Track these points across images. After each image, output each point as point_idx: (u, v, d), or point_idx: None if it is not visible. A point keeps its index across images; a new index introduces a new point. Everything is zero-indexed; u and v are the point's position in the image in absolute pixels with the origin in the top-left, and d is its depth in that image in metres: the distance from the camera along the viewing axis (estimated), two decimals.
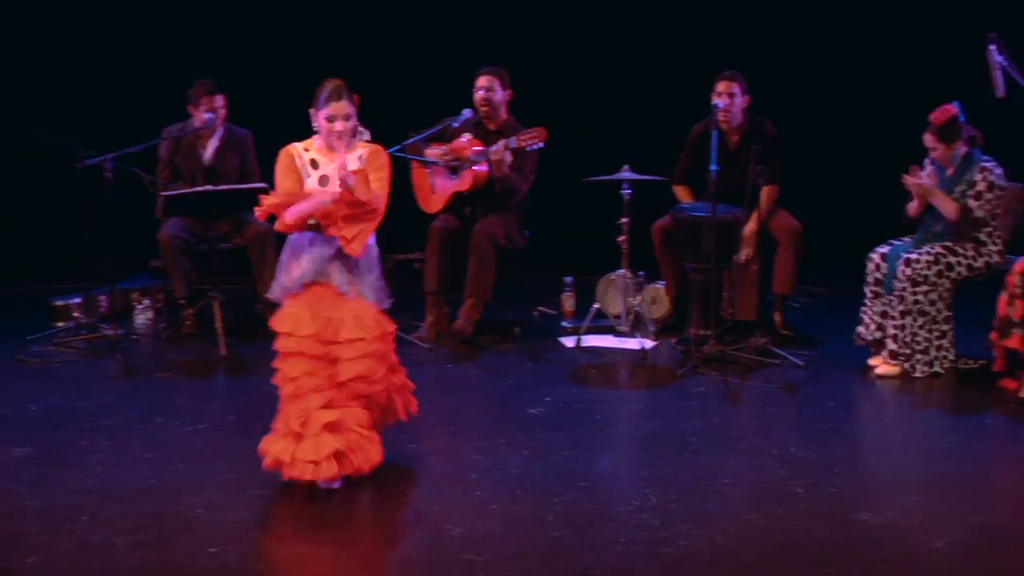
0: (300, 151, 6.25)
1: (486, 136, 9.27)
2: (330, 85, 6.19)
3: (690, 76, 10.02)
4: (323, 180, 6.19)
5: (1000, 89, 8.07)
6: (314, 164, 6.22)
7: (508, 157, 9.02)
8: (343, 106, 6.17)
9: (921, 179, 8.16)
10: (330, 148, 6.23)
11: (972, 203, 8.08)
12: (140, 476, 6.50)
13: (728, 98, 9.11)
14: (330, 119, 6.17)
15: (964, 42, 8.93)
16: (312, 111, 6.24)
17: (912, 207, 8.33)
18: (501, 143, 8.95)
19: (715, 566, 5.48)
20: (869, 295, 8.38)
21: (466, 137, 9.19)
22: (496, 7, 11.62)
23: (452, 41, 11.48)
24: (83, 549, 5.63)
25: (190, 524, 5.90)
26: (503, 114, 9.38)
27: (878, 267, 8.29)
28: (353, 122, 6.21)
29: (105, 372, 8.40)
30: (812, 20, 11.43)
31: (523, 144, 8.97)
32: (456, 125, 9.19)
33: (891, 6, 11.22)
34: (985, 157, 8.17)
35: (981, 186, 8.08)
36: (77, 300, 9.44)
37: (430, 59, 11.36)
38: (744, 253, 9.02)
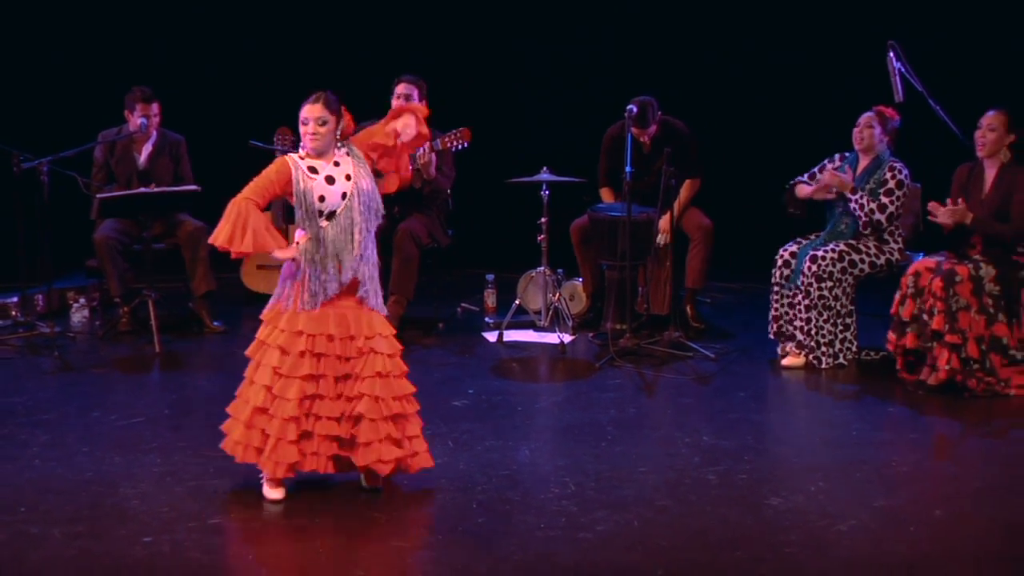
0: (296, 160, 6.02)
1: None
2: (314, 92, 6.07)
3: (609, 80, 10.17)
4: (329, 180, 6.01)
5: (899, 94, 8.31)
6: (312, 170, 6.01)
7: (434, 159, 9.07)
8: (315, 109, 5.96)
9: (843, 177, 8.37)
10: (315, 153, 6.03)
11: (884, 200, 8.31)
12: (77, 469, 6.51)
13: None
14: (304, 122, 5.98)
15: (867, 47, 9.17)
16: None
17: (803, 190, 8.51)
18: (426, 146, 8.85)
19: (631, 550, 5.59)
20: (776, 291, 8.54)
21: None
22: (416, 7, 11.68)
23: (372, 43, 11.56)
24: (21, 540, 5.66)
25: (126, 515, 5.94)
26: None
27: (787, 263, 8.48)
28: (329, 128, 6.01)
29: (42, 368, 8.39)
30: (724, 23, 11.59)
31: (447, 145, 9.01)
32: None
33: (799, 11, 11.38)
34: (893, 158, 8.43)
35: (891, 184, 8.32)
36: (14, 299, 9.42)
37: (354, 63, 11.36)
38: (662, 238, 9.16)
